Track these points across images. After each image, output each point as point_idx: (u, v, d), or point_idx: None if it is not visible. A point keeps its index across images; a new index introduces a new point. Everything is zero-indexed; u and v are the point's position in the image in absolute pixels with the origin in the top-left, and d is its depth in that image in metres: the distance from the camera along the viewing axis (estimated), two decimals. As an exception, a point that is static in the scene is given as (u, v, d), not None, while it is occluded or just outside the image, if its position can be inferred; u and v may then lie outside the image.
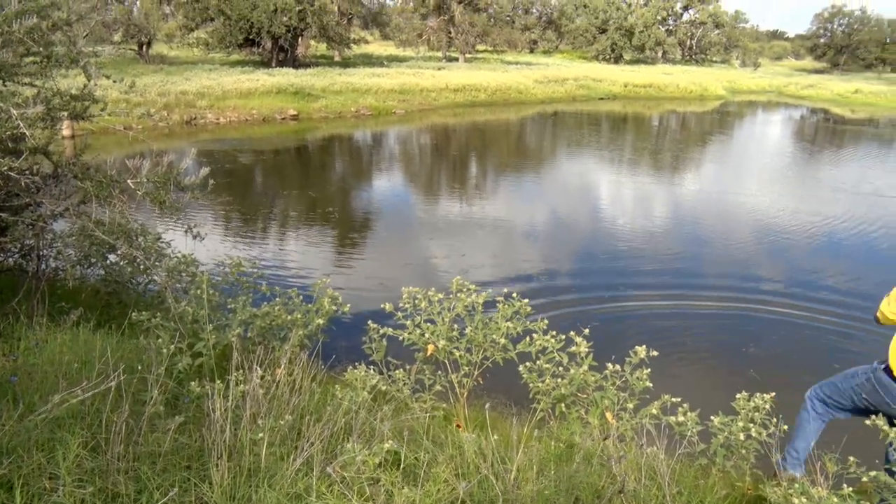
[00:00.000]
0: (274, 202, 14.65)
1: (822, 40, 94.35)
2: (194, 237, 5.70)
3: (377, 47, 68.28)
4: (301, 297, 5.02)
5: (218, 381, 3.16)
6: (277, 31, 34.85)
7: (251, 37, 35.69)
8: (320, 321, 4.76)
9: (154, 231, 6.19)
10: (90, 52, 5.27)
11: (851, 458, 3.66)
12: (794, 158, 26.30)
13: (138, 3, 38.05)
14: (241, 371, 3.38)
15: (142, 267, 5.80)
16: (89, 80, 5.09)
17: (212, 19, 35.51)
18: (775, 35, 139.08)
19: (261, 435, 2.87)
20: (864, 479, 3.34)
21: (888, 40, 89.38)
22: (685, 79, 52.95)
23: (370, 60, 47.33)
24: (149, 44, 36.83)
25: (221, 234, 11.74)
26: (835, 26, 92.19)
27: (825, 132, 37.07)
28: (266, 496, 2.65)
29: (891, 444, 3.51)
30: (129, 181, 5.06)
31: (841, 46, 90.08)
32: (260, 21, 34.36)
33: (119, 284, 5.97)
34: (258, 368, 3.35)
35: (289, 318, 4.79)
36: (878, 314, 3.77)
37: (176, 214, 5.62)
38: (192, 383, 3.47)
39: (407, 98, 32.32)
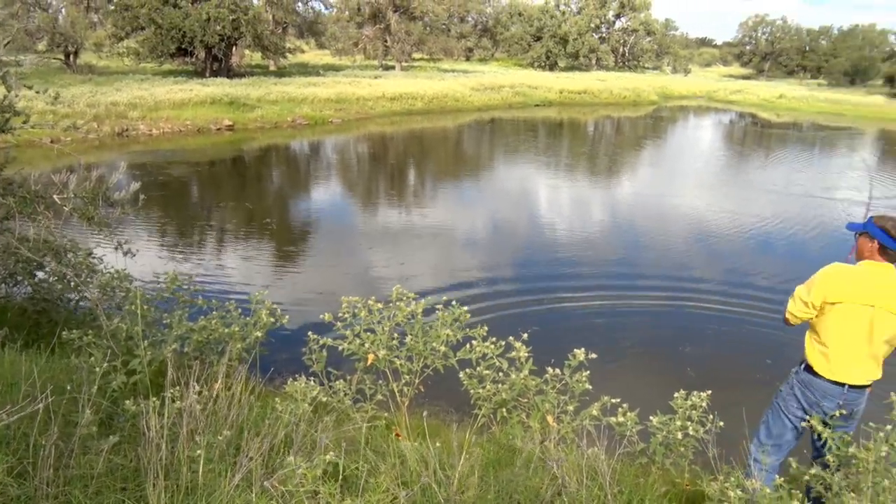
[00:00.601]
0: (210, 214, 14.40)
1: (747, 47, 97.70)
2: (125, 254, 5.54)
3: (313, 56, 67.81)
4: (239, 310, 4.94)
5: (154, 399, 3.09)
6: (211, 40, 34.28)
7: (184, 46, 34.98)
8: (258, 334, 4.69)
9: (85, 247, 6.01)
10: (11, 61, 5.10)
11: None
12: (726, 161, 27.08)
13: (63, 10, 36.89)
14: (177, 387, 3.31)
15: (72, 284, 5.62)
16: (9, 91, 4.93)
17: (142, 28, 34.61)
18: (704, 42, 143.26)
19: (198, 452, 2.81)
20: (794, 467, 3.46)
21: (807, 48, 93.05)
22: (619, 85, 54.07)
23: (306, 70, 46.96)
24: (76, 53, 35.67)
25: (157, 249, 11.48)
26: (759, 34, 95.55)
27: (753, 136, 38.29)
28: (204, 514, 2.60)
29: (819, 437, 3.63)
30: (55, 196, 4.90)
31: (765, 54, 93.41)
32: (192, 30, 33.73)
33: (48, 302, 5.78)
34: (195, 384, 3.28)
35: (226, 331, 4.71)
36: (787, 315, 3.89)
37: (105, 230, 5.45)
38: (127, 402, 3.38)
39: (344, 107, 32.17)
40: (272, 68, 45.63)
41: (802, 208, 17.23)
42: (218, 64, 37.68)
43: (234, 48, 39.08)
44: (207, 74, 36.38)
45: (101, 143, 22.32)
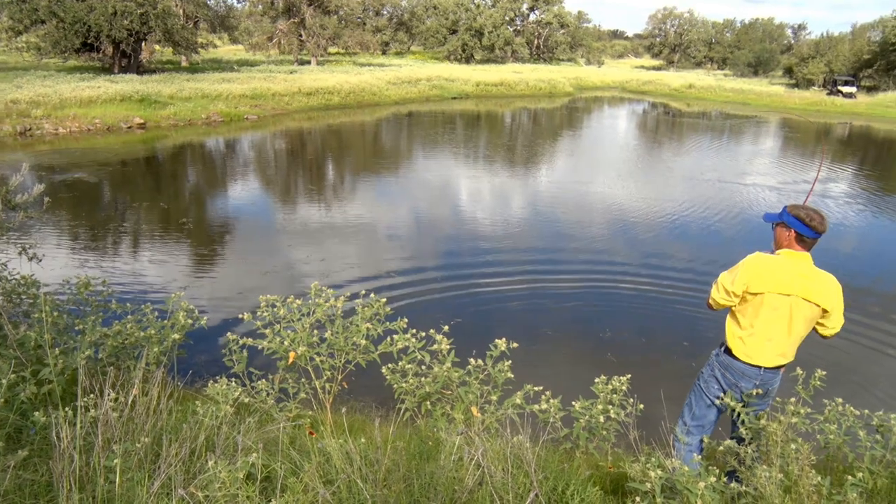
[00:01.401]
0: (123, 216, 13.90)
1: (657, 39, 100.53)
2: (30, 259, 5.30)
3: (226, 52, 66.41)
4: (156, 313, 4.82)
5: (66, 409, 2.98)
6: (118, 35, 33.03)
7: (89, 41, 33.57)
8: (176, 336, 4.59)
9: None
10: None
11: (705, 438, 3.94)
12: (642, 150, 27.83)
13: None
14: (91, 395, 3.20)
15: (-29, 292, 5.35)
16: None
17: (43, 21, 32.98)
18: (616, 35, 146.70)
19: (115, 461, 2.73)
20: (709, 444, 3.60)
21: (714, 41, 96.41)
22: (534, 77, 54.90)
23: (220, 65, 45.94)
24: (-30, 49, 33.89)
25: (67, 253, 11.02)
26: (668, 27, 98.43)
27: (666, 125, 39.45)
28: (123, 525, 2.53)
29: (738, 415, 3.79)
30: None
31: (674, 45, 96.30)
32: (98, 24, 32.40)
33: (-55, 313, 5.49)
34: (110, 391, 3.18)
35: (142, 335, 4.60)
36: (710, 301, 4.03)
37: (5, 235, 5.20)
38: (37, 413, 3.24)
39: (259, 103, 31.61)
40: (184, 64, 44.41)
41: (716, 193, 17.89)
42: (127, 60, 36.39)
43: (143, 43, 37.84)
44: (116, 71, 35.11)
45: (1, 143, 21.29)
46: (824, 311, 3.77)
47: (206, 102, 29.32)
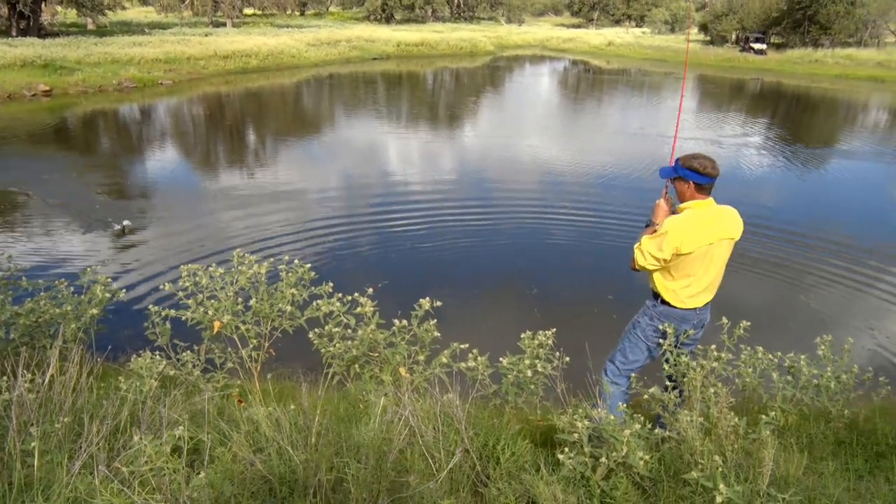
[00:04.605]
0: (31, 188, 13.25)
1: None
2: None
3: (136, 13, 63.81)
4: (71, 289, 4.66)
5: (-26, 394, 2.85)
6: (14, -5, 31.30)
7: (-18, 3, 31.75)
8: (94, 311, 4.46)
9: None
10: None
11: (632, 376, 4.07)
12: (564, 106, 28.08)
13: None
14: (4, 377, 3.07)
15: None
16: None
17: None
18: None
19: (33, 444, 2.63)
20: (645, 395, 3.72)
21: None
22: (455, 36, 54.63)
23: (129, 28, 44.10)
24: None
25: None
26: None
27: (587, 82, 39.92)
28: (43, 508, 2.45)
29: (668, 360, 3.95)
30: None
31: (594, 3, 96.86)
32: (-9, -15, 30.63)
33: None
34: (25, 372, 3.05)
35: (58, 311, 4.45)
36: (636, 266, 4.12)
37: None
38: (-57, 400, 3.09)
39: (174, 68, 30.52)
40: (91, 27, 42.44)
41: (638, 146, 18.28)
42: (26, 22, 34.50)
43: (43, 4, 35.91)
44: (14, 34, 33.26)
45: None
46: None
47: (116, 68, 28.13)
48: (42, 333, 4.43)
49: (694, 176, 3.87)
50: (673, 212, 4.13)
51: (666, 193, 4.24)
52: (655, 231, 4.00)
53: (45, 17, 37.37)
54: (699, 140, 19.91)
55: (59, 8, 39.77)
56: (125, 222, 9.30)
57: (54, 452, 2.74)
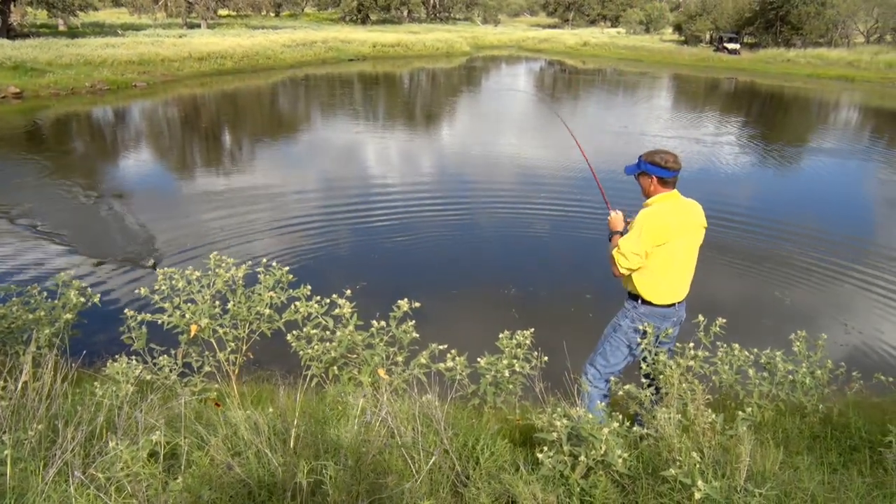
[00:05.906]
0: (2, 194, 13.03)
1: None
2: None
3: (108, 14, 63.18)
4: (44, 294, 4.60)
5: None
6: (-18, -4, 30.85)
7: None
8: (68, 316, 4.40)
9: None
10: None
11: (612, 379, 4.09)
12: (543, 106, 28.14)
13: None
14: (-25, 385, 3.03)
15: None
16: None
17: None
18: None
19: (5, 452, 2.59)
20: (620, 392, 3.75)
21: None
22: (431, 37, 54.67)
23: (102, 29, 43.63)
24: None
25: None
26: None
27: (563, 82, 40.08)
28: (16, 517, 2.41)
29: (644, 358, 4.00)
30: None
31: (569, 3, 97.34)
32: (-41, -15, 30.15)
33: None
34: (-3, 379, 3.01)
35: (31, 317, 4.39)
36: (619, 271, 4.13)
37: None
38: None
39: (148, 70, 30.22)
40: (62, 28, 41.95)
41: (616, 144, 18.39)
42: (-5, 24, 34.06)
43: (12, 4, 35.42)
44: (-17, 36, 32.82)
45: None
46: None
47: (89, 69, 27.79)
48: (15, 339, 4.37)
49: (656, 170, 3.99)
50: (627, 221, 4.25)
51: (611, 207, 4.44)
52: (623, 235, 4.10)
53: (15, 18, 36.83)
54: (682, 139, 20.11)
55: (29, 9, 39.22)
56: (151, 260, 9.33)
57: (28, 460, 2.70)
